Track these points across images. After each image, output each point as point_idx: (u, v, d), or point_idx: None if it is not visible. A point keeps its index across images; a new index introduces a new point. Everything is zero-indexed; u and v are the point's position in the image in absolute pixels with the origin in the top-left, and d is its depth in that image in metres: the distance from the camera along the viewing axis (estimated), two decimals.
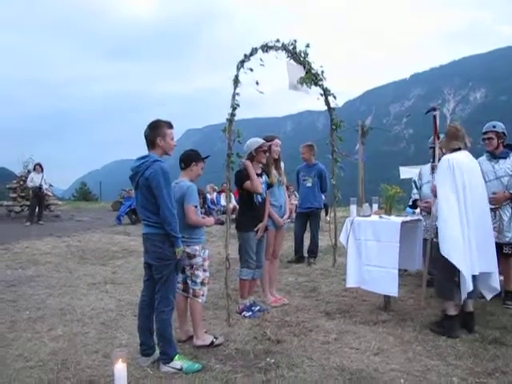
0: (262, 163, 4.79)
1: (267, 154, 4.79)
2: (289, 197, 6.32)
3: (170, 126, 3.44)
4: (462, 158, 4.17)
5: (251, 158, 4.68)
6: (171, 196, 3.29)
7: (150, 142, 3.39)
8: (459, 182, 4.03)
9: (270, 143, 4.91)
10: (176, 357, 3.40)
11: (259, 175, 4.74)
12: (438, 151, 4.74)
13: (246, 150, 4.68)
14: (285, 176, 5.34)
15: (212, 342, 3.80)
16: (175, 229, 3.28)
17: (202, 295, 3.84)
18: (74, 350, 3.73)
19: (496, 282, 4.18)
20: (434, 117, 4.73)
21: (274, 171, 5.05)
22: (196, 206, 3.79)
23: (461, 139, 4.24)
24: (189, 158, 3.85)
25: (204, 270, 3.82)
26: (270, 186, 4.91)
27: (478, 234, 4.03)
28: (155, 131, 3.38)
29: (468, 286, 3.91)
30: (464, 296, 4.01)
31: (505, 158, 4.98)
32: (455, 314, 4.10)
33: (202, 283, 3.81)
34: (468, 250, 3.97)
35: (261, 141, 4.71)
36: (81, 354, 3.63)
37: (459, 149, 4.23)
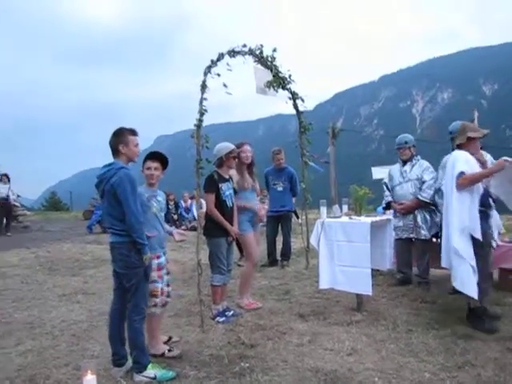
0: (231, 168, 4.81)
1: (236, 159, 4.81)
2: (262, 201, 6.33)
3: (133, 133, 3.43)
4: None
5: (221, 162, 4.69)
6: (137, 203, 3.26)
7: (114, 150, 3.39)
8: None
9: (239, 150, 4.91)
10: (149, 365, 3.36)
11: (227, 180, 4.75)
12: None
13: (216, 155, 4.68)
14: (257, 182, 5.33)
15: (163, 354, 3.71)
16: (142, 236, 3.25)
17: (154, 306, 3.69)
18: (43, 364, 3.64)
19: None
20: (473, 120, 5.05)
21: (247, 176, 5.08)
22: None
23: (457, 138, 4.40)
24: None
25: (151, 282, 3.62)
26: (236, 191, 4.90)
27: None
28: (118, 138, 3.37)
29: None
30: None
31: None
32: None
33: (151, 294, 3.65)
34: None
35: (231, 146, 4.71)
36: (50, 368, 3.54)
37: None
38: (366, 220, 4.70)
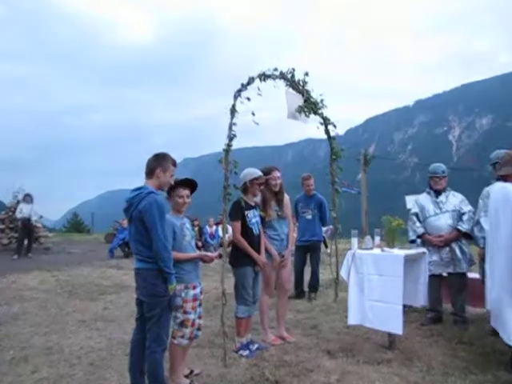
0: (256, 195, 4.81)
1: (262, 186, 4.79)
2: None
3: (174, 163, 3.52)
4: (495, 187, 4.23)
5: (245, 188, 4.70)
6: (165, 230, 3.29)
7: (150, 171, 3.43)
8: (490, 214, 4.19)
9: (267, 177, 4.88)
10: None
11: (253, 207, 4.75)
12: None
13: (241, 180, 4.68)
14: (289, 207, 5.24)
15: None
16: (168, 264, 3.27)
17: (181, 337, 3.74)
18: None
19: None
20: None
21: (272, 205, 5.00)
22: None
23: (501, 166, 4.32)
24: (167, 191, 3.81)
25: (185, 312, 3.70)
26: (264, 219, 4.89)
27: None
28: (159, 161, 3.43)
29: None
30: None
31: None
32: None
33: (182, 324, 3.72)
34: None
35: (256, 173, 4.70)
36: None
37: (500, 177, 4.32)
38: (399, 253, 4.63)
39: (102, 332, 5.42)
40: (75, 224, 34.99)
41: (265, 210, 4.92)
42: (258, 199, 4.91)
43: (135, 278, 3.43)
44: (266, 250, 4.86)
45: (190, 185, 3.86)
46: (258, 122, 4.46)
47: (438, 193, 5.72)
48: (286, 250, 5.07)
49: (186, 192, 3.80)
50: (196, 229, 13.43)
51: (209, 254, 4.01)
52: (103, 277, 9.45)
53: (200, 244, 13.47)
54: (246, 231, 4.63)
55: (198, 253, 3.91)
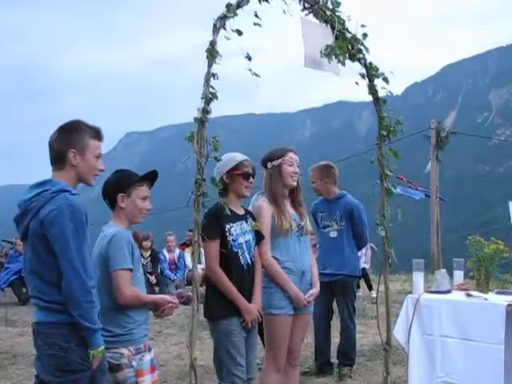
0: (243, 196, 4.85)
1: (252, 179, 4.82)
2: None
3: (96, 134, 3.50)
4: None
5: (224, 187, 4.68)
6: (85, 254, 3.26)
7: (57, 157, 3.42)
8: None
9: (279, 161, 4.96)
10: None
11: (241, 218, 4.77)
12: None
13: (216, 173, 4.71)
14: (309, 218, 5.34)
15: None
16: (89, 313, 3.22)
17: None
18: None
19: None
20: None
21: (290, 210, 5.05)
22: (131, 270, 3.75)
23: None
24: (110, 189, 3.91)
25: None
26: (260, 236, 4.87)
27: None
28: (68, 139, 3.40)
29: None
30: None
31: None
32: None
33: None
34: None
35: (239, 157, 4.77)
36: None
37: None
38: (499, 301, 4.62)
39: None
40: None
41: (278, 216, 4.92)
42: (264, 201, 4.98)
43: (33, 340, 3.41)
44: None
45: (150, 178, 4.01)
46: (259, 75, 4.50)
47: None
48: (311, 291, 5.09)
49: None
50: (147, 254, 13.48)
51: (169, 298, 4.06)
52: None
53: (153, 279, 13.45)
54: (229, 258, 4.63)
55: (159, 295, 3.95)
